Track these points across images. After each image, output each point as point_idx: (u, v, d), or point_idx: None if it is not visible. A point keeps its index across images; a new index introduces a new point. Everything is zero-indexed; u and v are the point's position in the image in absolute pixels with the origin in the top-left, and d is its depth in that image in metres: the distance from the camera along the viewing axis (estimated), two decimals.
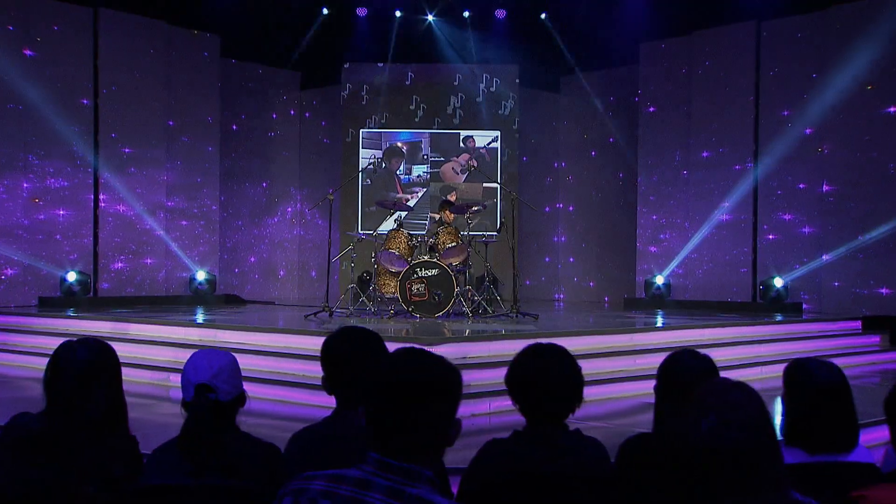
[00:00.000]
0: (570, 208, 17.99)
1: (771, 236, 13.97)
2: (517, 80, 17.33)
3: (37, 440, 2.95)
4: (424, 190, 17.32)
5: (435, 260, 10.80)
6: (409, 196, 17.24)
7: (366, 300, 11.38)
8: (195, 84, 15.75)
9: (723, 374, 8.28)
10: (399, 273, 11.04)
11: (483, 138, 17.35)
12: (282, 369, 8.41)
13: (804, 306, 13.31)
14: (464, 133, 17.36)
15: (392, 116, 17.35)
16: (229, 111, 16.82)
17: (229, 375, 2.99)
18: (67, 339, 3.15)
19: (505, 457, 3.10)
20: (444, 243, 10.98)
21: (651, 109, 15.66)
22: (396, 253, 10.90)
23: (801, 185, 13.69)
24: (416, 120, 17.34)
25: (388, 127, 17.38)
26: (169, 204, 15.33)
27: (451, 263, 10.95)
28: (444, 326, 10.11)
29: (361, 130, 17.34)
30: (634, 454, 3.26)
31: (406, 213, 16.61)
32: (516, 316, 10.93)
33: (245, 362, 8.63)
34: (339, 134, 17.66)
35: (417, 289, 10.70)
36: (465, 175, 17.08)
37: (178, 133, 15.51)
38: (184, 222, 15.54)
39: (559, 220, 18.07)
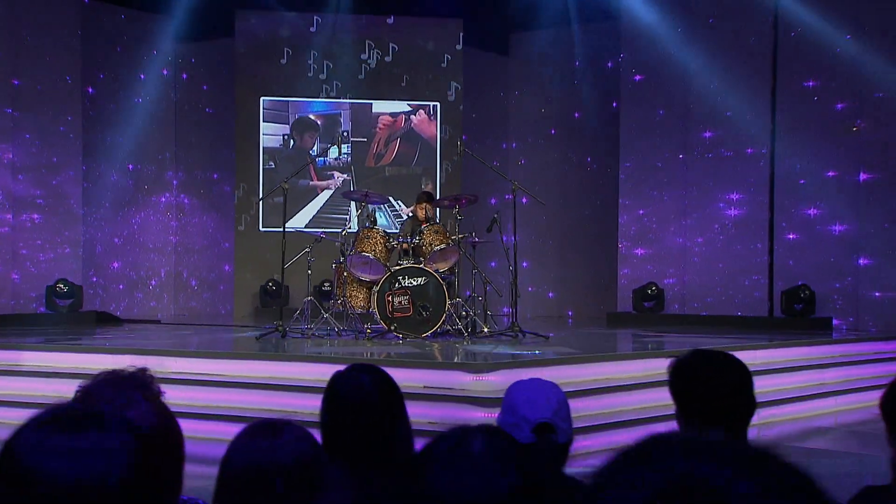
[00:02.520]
0: (524, 200, 18.01)
1: (792, 236, 14.42)
2: (460, 39, 17.27)
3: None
4: (344, 176, 17.04)
5: (422, 266, 10.65)
6: (326, 184, 16.95)
7: (331, 318, 11.04)
8: (48, 31, 14.98)
9: (797, 405, 8.41)
10: (372, 282, 10.83)
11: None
12: (256, 404, 8.21)
13: (834, 321, 13.76)
14: (391, 104, 17.17)
15: (303, 81, 16.98)
16: (86, 69, 16.06)
17: (567, 412, 3.10)
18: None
19: None
20: (430, 245, 10.83)
21: (637, 78, 15.89)
22: (371, 256, 10.66)
23: (830, 173, 14.18)
24: (334, 87, 17.04)
25: (297, 94, 17.00)
26: (16, 190, 14.52)
27: (437, 270, 10.83)
28: (446, 348, 9.98)
29: (262, 98, 16.90)
30: None
31: (323, 203, 16.40)
32: (519, 335, 10.92)
33: (212, 397, 8.37)
34: (231, 102, 17.16)
35: (400, 302, 10.53)
36: (397, 140, 16.99)
37: (27, 96, 14.73)
38: (36, 216, 14.76)
39: (509, 215, 18.06)
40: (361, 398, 3.07)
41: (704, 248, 15.12)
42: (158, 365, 8.98)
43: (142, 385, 3.02)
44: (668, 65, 15.50)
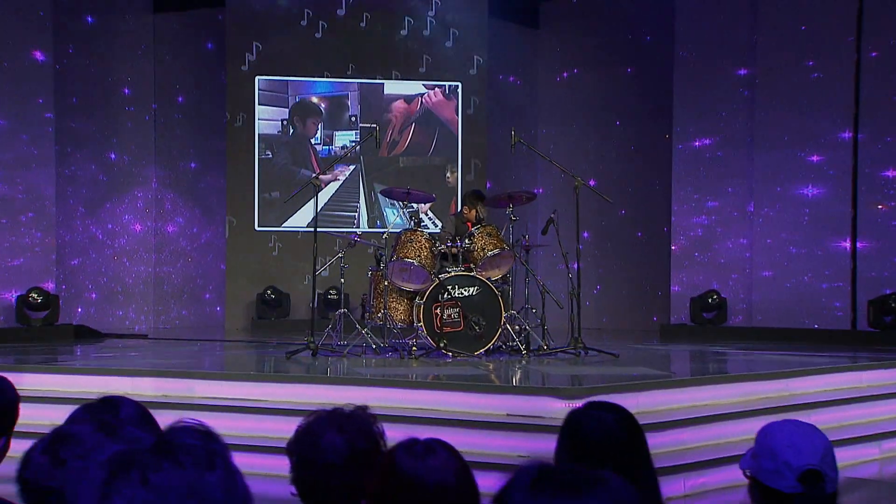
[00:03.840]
0: (540, 191, 17.96)
1: (880, 236, 14.40)
2: (485, 8, 17.22)
3: None
4: (353, 167, 16.96)
5: (474, 274, 10.63)
6: (329, 176, 16.85)
7: (369, 332, 10.98)
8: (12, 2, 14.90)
9: None
10: (415, 292, 10.80)
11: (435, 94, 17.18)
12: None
13: None
14: (405, 84, 17.10)
15: (304, 58, 16.89)
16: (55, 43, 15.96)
17: (833, 459, 3.18)
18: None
19: None
20: (482, 250, 10.78)
21: (692, 52, 15.87)
22: (415, 263, 10.58)
23: None
24: (339, 64, 16.95)
25: (297, 73, 16.91)
26: None
27: (489, 278, 10.80)
28: (508, 369, 9.93)
29: (257, 78, 16.80)
30: None
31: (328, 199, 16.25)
32: (581, 352, 10.88)
33: (257, 427, 8.30)
34: (220, 82, 17.06)
35: (450, 315, 10.49)
36: (412, 126, 16.97)
37: None
38: (2, 216, 14.65)
39: (538, 211, 18.02)
40: (607, 438, 3.23)
41: (774, 249, 15.09)
42: (185, 389, 8.98)
43: (365, 425, 3.03)
44: (730, 36, 15.48)
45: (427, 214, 16.73)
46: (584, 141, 17.72)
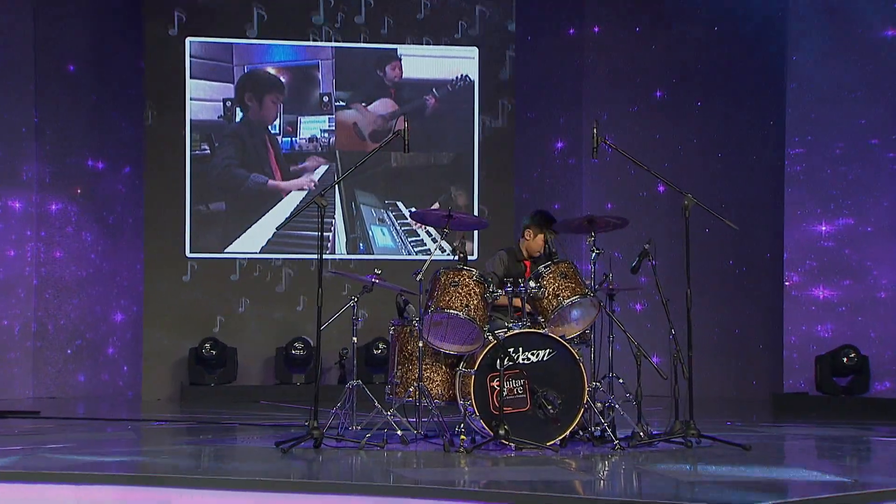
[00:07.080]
0: (609, 206, 18.02)
1: None
2: None
3: None
4: (326, 167, 17.01)
5: (545, 331, 10.64)
6: (292, 182, 16.91)
7: (396, 413, 10.96)
8: None
9: None
10: (458, 356, 10.87)
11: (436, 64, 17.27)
12: None
13: None
14: (401, 50, 17.19)
15: (259, 13, 16.93)
16: None
17: None
18: None
19: None
20: (555, 297, 10.79)
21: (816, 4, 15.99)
22: (461, 316, 10.58)
23: None
24: (311, 22, 17.01)
25: (246, 34, 16.99)
26: None
27: (563, 335, 10.80)
28: (609, 468, 9.92)
29: (189, 40, 16.82)
30: None
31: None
32: (693, 442, 10.87)
33: None
34: (133, 45, 17.06)
35: (512, 389, 10.48)
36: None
37: None
38: None
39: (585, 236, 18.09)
40: None
41: None
42: (159, 502, 8.90)
43: None
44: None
45: (428, 232, 16.81)
46: (651, 130, 17.75)
